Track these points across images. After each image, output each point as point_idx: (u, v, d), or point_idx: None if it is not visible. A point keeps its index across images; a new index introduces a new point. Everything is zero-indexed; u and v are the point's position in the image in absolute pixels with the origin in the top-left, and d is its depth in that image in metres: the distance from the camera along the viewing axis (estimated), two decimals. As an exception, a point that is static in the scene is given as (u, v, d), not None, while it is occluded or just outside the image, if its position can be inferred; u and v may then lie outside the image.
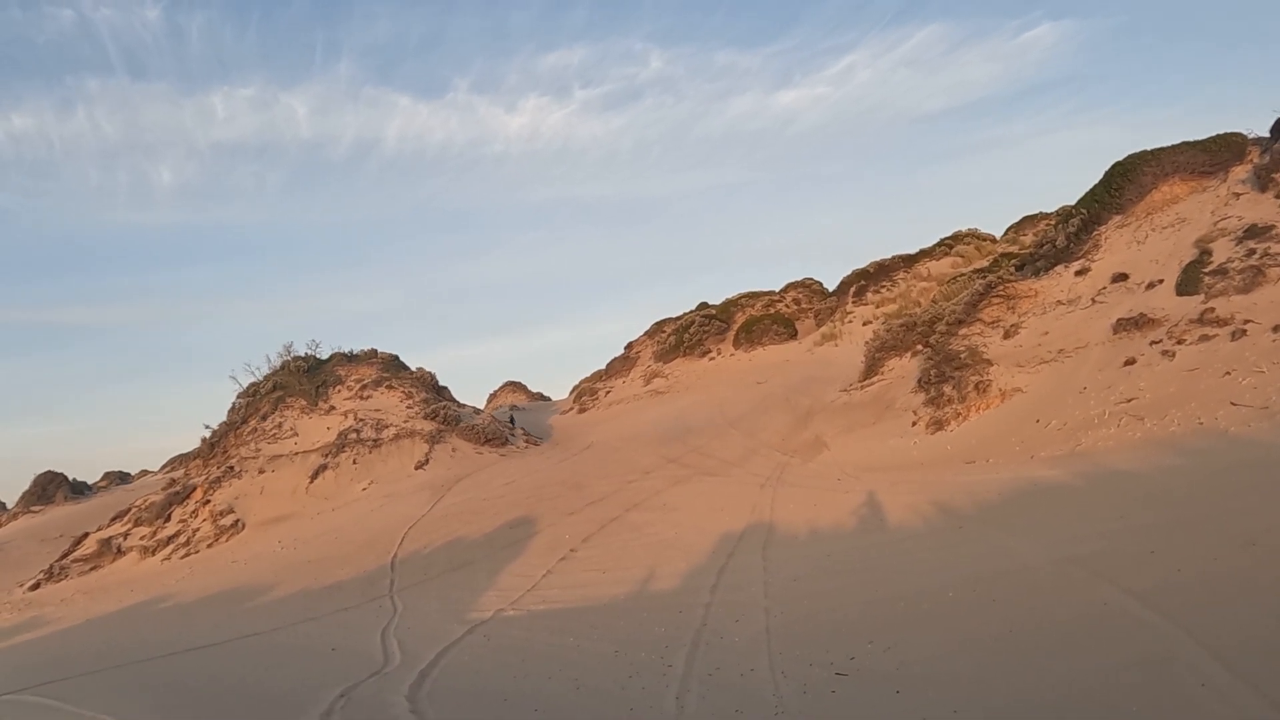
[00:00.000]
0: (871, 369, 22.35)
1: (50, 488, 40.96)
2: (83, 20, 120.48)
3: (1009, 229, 40.30)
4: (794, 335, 33.47)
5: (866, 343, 24.50)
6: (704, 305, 38.02)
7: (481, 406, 36.93)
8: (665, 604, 10.52)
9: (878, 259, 35.07)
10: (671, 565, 12.33)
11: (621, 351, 38.64)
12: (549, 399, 45.72)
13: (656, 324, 38.23)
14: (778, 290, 38.19)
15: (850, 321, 31.26)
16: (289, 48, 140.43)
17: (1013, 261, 23.66)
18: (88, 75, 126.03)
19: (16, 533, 34.72)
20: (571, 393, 39.02)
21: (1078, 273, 19.61)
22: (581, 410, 33.32)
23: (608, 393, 34.37)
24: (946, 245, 35.02)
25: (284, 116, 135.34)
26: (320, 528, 19.76)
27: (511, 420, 29.99)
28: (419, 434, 24.97)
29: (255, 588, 15.56)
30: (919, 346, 20.93)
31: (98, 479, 45.93)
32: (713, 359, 33.83)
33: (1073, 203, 23.30)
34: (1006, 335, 18.70)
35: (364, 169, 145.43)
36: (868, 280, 33.87)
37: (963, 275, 26.80)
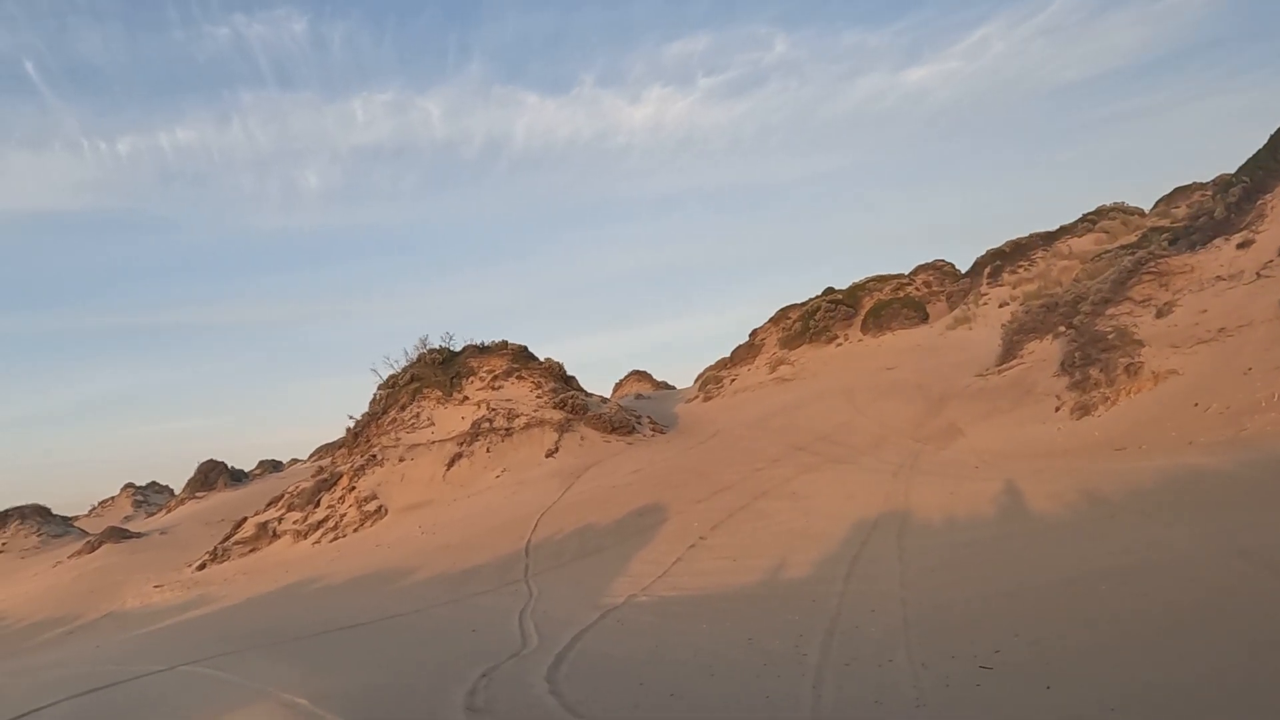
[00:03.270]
0: (1009, 352, 21.43)
1: (212, 475, 44.07)
2: (237, 37, 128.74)
3: (1159, 201, 37.87)
4: (925, 319, 32.40)
5: (1003, 325, 23.51)
6: (830, 290, 37.23)
7: (608, 395, 37.40)
8: (797, 593, 10.42)
9: (1014, 237, 33.60)
10: (802, 554, 12.19)
11: (746, 339, 38.34)
12: (674, 388, 45.81)
13: (781, 310, 37.67)
14: (907, 273, 37.04)
15: (985, 303, 30.03)
16: (423, 52, 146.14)
17: (1164, 236, 22.17)
18: (242, 88, 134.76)
19: (183, 517, 37.50)
20: (696, 381, 38.99)
21: (1240, 245, 18.20)
22: (707, 398, 33.25)
23: (733, 380, 34.17)
24: (1089, 220, 33.13)
25: (419, 119, 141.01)
26: (457, 514, 20.46)
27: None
28: (548, 423, 25.50)
29: (398, 570, 16.26)
30: (1061, 328, 19.90)
31: (253, 467, 49.10)
32: (840, 345, 33.15)
33: (1232, 171, 21.66)
34: (1159, 314, 17.56)
35: (494, 167, 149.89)
36: (1003, 260, 32.44)
37: (1108, 252, 25.30)
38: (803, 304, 36.80)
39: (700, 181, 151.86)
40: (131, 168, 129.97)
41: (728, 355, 38.33)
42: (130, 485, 52.13)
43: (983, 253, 33.93)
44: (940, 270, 36.48)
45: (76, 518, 44.51)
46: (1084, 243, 31.40)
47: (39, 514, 38.97)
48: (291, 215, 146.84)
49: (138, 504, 49.57)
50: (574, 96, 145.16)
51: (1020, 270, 31.24)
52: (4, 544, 36.45)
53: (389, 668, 8.73)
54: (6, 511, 38.40)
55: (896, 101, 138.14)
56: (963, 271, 35.20)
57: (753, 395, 30.08)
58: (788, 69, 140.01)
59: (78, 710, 7.66)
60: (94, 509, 51.18)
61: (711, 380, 35.52)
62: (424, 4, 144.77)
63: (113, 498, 51.86)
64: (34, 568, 31.16)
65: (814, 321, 34.55)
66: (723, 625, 9.36)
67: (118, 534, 31.64)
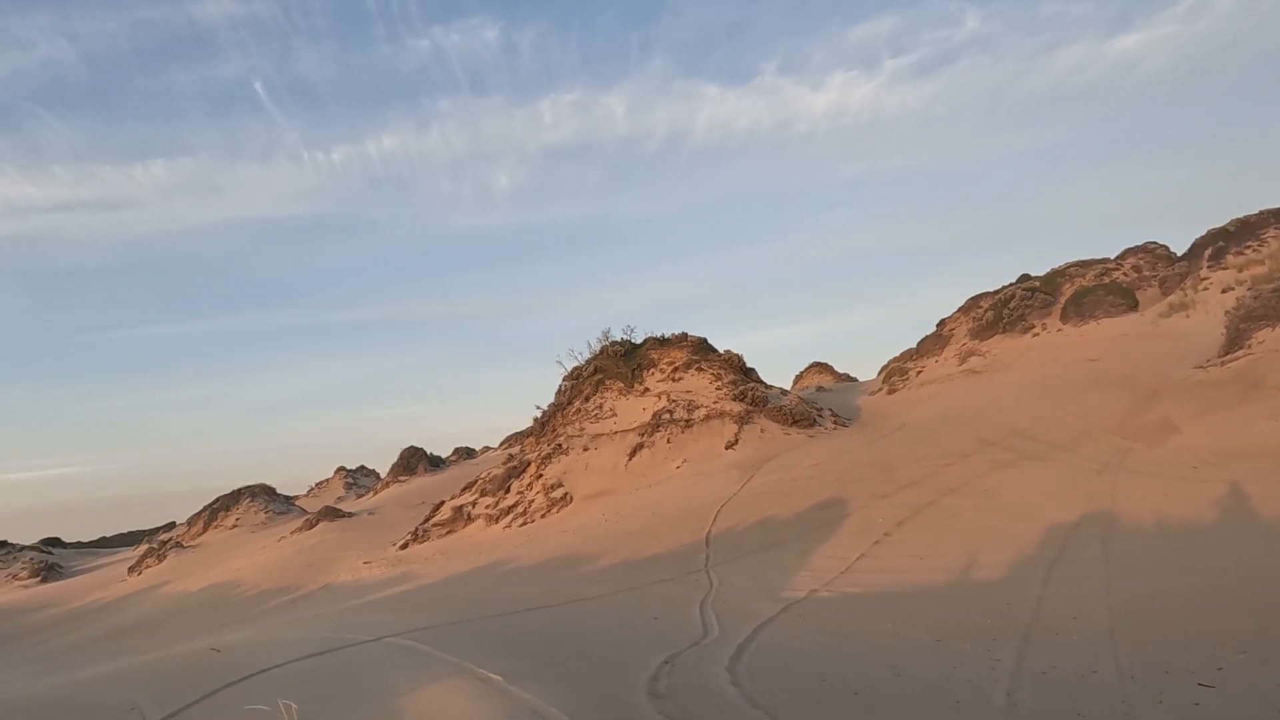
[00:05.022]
0: (1234, 342, 19.47)
1: (413, 461, 47.14)
2: (436, 48, 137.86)
3: None
4: (1134, 306, 29.95)
5: (1227, 312, 21.38)
6: (1025, 277, 35.12)
7: (788, 387, 36.97)
8: (989, 595, 9.95)
9: (1241, 215, 30.44)
10: (994, 554, 11.62)
11: (934, 329, 36.86)
12: (856, 380, 44.73)
13: (972, 299, 35.91)
14: (1113, 257, 34.35)
15: (1205, 289, 27.39)
16: (607, 51, 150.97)
17: None
18: (440, 96, 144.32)
19: (388, 499, 40.30)
20: (880, 373, 37.85)
21: None
22: (891, 391, 32.19)
23: (919, 372, 32.89)
24: (1333, 194, 29.54)
25: (603, 116, 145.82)
26: (638, 503, 20.87)
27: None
28: (728, 415, 25.53)
29: (582, 556, 16.78)
30: (1297, 314, 17.89)
31: (449, 453, 52.05)
32: (1036, 335, 31.19)
33: None
34: None
35: (675, 160, 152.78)
36: (1228, 240, 29.44)
37: (1357, 228, 22.47)
38: (995, 292, 34.94)
39: (885, 166, 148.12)
40: (344, 175, 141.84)
41: (913, 346, 37.00)
42: (342, 468, 56.70)
43: (1203, 233, 30.96)
44: (1152, 253, 33.60)
45: (297, 497, 48.82)
46: (1326, 219, 28.04)
47: (266, 493, 43.07)
48: (484, 215, 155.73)
49: (348, 486, 53.83)
50: (755, 86, 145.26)
51: (1248, 251, 28.25)
52: (237, 519, 40.49)
53: (575, 649, 9.04)
54: (239, 490, 42.71)
55: (1103, 72, 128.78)
56: (1178, 254, 32.26)
57: (940, 388, 28.88)
58: (980, 45, 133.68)
59: (301, 671, 8.42)
60: (311, 489, 56.09)
61: (896, 372, 34.38)
62: (607, 4, 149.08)
63: (327, 479, 56.61)
64: (262, 541, 34.44)
65: (1008, 310, 32.72)
66: (909, 624, 9.08)
67: (332, 513, 34.44)
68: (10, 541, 44.45)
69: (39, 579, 39.73)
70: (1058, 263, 34.76)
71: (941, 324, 36.57)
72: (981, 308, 34.62)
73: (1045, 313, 32.11)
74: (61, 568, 42.01)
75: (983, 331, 33.10)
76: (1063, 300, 32.03)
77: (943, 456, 18.33)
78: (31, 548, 44.97)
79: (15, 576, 40.53)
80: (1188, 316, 25.93)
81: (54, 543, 48.53)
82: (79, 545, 50.64)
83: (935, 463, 17.91)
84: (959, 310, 36.13)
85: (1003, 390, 24.53)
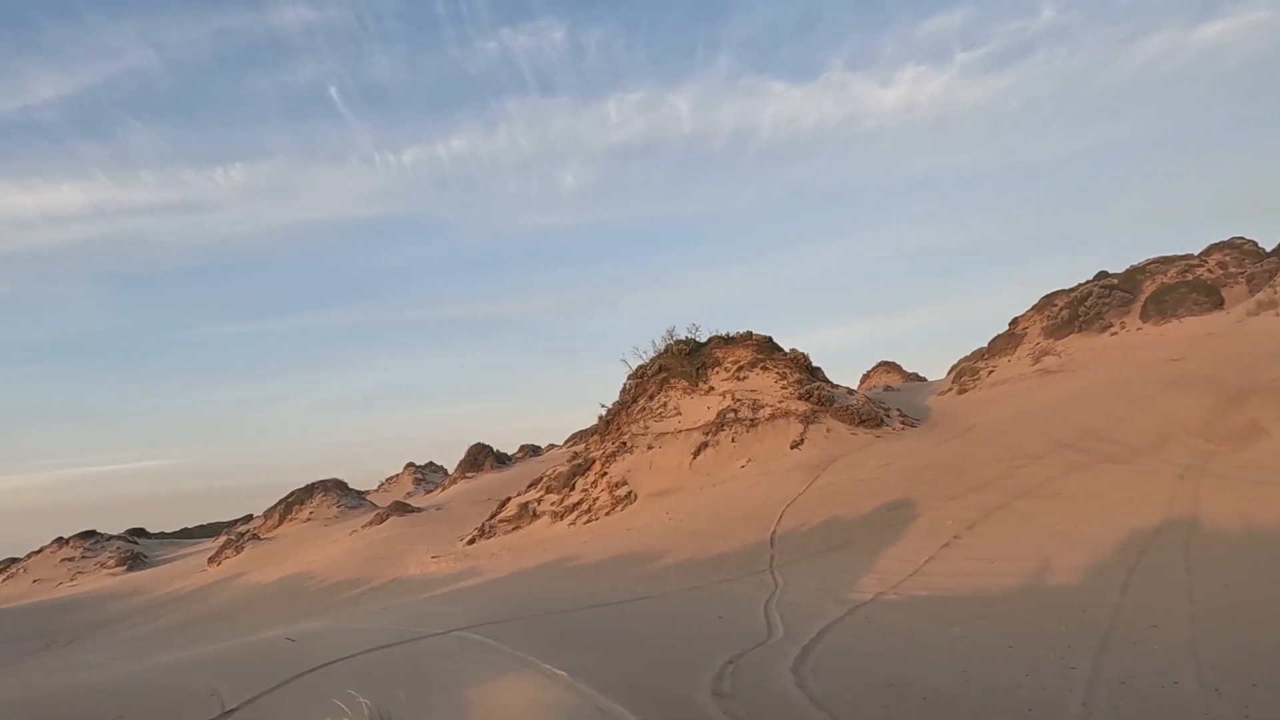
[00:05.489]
0: (1328, 341, 18.60)
1: (480, 457, 47.81)
2: (504, 49, 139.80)
3: None
4: (1219, 304, 28.82)
5: (1320, 310, 20.45)
6: (1103, 274, 34.06)
7: (855, 387, 36.48)
8: (1063, 601, 9.68)
9: (1335, 209, 29.08)
10: (1069, 559, 11.30)
11: (1006, 328, 36.00)
12: (925, 379, 43.92)
13: (1046, 297, 34.93)
14: (1197, 254, 33.10)
15: (1296, 285, 26.23)
16: (673, 50, 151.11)
17: None
18: (507, 97, 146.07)
19: (456, 495, 40.95)
20: (950, 372, 37.10)
21: None
22: (961, 391, 31.51)
23: (990, 372, 32.12)
24: None
25: (668, 115, 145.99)
26: (702, 501, 20.82)
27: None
28: (793, 414, 25.31)
29: (646, 554, 16.81)
30: (1398, 312, 17.01)
31: (515, 451, 52.65)
32: (1114, 334, 30.22)
33: None
34: None
35: (740, 159, 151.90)
36: (1321, 235, 28.16)
37: None
38: (1071, 290, 33.97)
39: (956, 162, 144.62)
40: (414, 176, 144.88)
41: (985, 345, 36.20)
42: (411, 464, 57.86)
43: (1294, 227, 29.67)
44: (1239, 249, 32.26)
45: (368, 492, 49.91)
46: None
47: (338, 487, 44.15)
48: (551, 214, 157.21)
49: (417, 481, 54.92)
50: (822, 82, 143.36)
51: (1343, 246, 26.95)
52: (311, 513, 41.59)
53: (639, 647, 9.06)
54: (313, 485, 43.87)
55: (1188, 61, 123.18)
56: (1267, 250, 30.93)
57: (1013, 388, 28.18)
58: (1057, 36, 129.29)
59: (373, 662, 8.61)
60: (381, 485, 57.36)
61: (967, 371, 33.64)
62: (675, 2, 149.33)
63: (397, 475, 57.84)
64: (334, 534, 35.31)
65: (1084, 308, 31.77)
66: (979, 629, 8.88)
67: (401, 508, 35.15)
68: (99, 531, 46.49)
69: (125, 568, 41.47)
70: (1137, 259, 33.69)
71: (1014, 322, 35.70)
72: (1056, 305, 33.69)
73: (1124, 311, 31.12)
74: (146, 557, 43.78)
75: (1058, 330, 32.21)
76: (1143, 298, 31.00)
77: (1015, 458, 17.90)
78: (119, 537, 46.96)
79: (103, 565, 42.35)
80: (1278, 315, 24.86)
81: (139, 533, 50.59)
82: (162, 536, 52.69)
83: (1007, 464, 17.50)
84: (1032, 308, 35.23)
85: (1079, 391, 23.84)
